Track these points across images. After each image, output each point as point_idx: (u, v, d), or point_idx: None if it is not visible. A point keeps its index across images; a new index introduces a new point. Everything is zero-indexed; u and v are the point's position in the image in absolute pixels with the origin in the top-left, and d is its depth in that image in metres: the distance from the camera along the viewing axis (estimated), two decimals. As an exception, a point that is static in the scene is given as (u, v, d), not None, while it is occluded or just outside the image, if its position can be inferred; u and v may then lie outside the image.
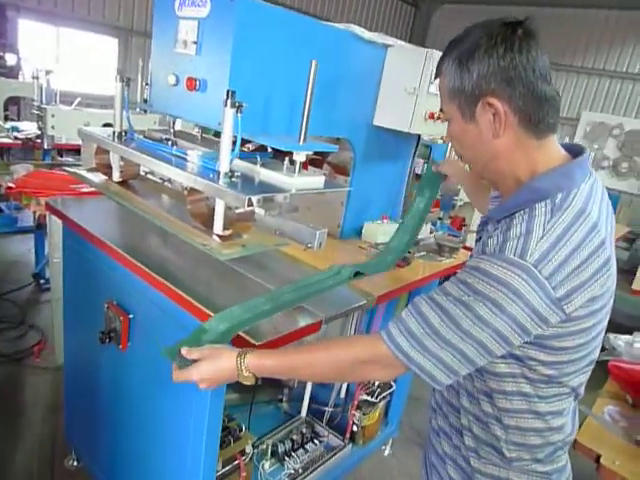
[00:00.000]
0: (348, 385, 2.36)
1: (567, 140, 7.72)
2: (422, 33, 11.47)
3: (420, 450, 1.35)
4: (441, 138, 3.02)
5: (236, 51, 1.36)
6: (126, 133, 1.70)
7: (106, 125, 3.44)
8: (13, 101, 5.33)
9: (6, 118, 4.80)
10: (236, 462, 1.73)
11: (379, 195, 2.20)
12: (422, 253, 2.06)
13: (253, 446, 1.82)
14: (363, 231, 2.12)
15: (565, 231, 0.84)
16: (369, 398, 2.28)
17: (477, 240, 1.11)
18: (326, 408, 2.36)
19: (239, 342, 1.18)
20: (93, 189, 1.84)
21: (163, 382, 1.52)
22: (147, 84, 1.68)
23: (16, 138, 4.23)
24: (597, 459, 1.54)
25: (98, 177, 1.79)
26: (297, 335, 1.31)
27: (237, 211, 1.37)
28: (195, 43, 1.44)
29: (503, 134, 0.91)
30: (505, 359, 0.92)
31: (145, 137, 1.72)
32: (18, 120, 5.29)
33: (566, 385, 0.96)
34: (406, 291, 2.01)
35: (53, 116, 3.59)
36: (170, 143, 1.68)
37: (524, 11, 1.19)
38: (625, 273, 3.78)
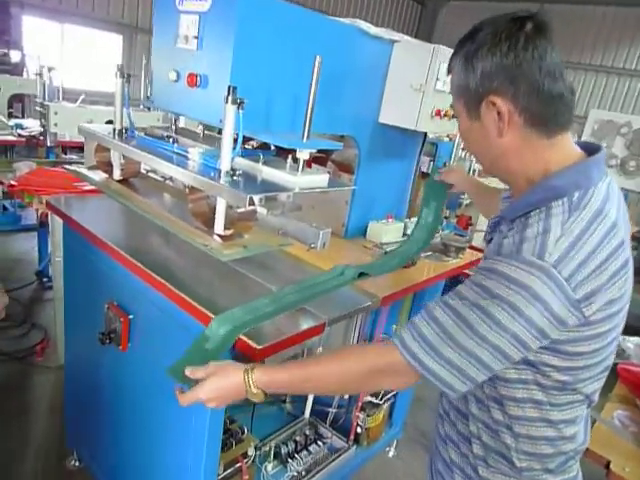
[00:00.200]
0: (352, 386, 2.33)
1: (575, 138, 7.63)
2: (428, 31, 11.38)
3: (425, 452, 1.32)
4: (447, 136, 2.98)
5: (238, 46, 1.33)
6: (127, 130, 1.67)
7: (109, 122, 3.42)
8: (17, 98, 5.32)
9: (10, 115, 4.80)
10: (238, 465, 1.71)
11: (384, 194, 2.16)
12: (428, 253, 2.02)
13: (255, 448, 1.79)
14: (368, 230, 2.09)
15: (584, 231, 0.81)
16: (373, 399, 2.25)
17: (488, 241, 1.06)
18: (330, 409, 2.33)
19: (240, 345, 1.15)
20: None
21: (163, 383, 1.49)
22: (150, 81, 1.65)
23: (20, 135, 4.23)
24: (607, 465, 1.51)
25: (98, 175, 1.77)
26: (300, 338, 1.28)
27: (238, 210, 1.34)
28: (196, 38, 1.41)
29: (507, 133, 0.89)
30: (517, 365, 0.89)
31: (146, 134, 1.69)
32: (23, 117, 5.29)
33: (580, 392, 0.93)
34: (411, 292, 1.97)
35: (56, 113, 3.57)
36: (171, 140, 1.65)
37: (531, 7, 1.15)
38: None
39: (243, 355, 1.16)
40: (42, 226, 3.61)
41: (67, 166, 1.90)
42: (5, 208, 4.67)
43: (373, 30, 1.70)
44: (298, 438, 2.18)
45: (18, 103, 5.55)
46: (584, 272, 0.80)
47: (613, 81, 9.37)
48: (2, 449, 2.24)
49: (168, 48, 1.51)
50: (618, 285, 0.84)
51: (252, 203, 1.23)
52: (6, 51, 5.85)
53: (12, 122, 4.45)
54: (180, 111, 1.62)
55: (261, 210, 1.40)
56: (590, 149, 0.92)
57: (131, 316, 1.56)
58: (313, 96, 1.34)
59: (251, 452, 1.75)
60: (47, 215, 2.80)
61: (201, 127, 1.80)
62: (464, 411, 1.04)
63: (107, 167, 1.76)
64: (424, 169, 2.81)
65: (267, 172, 1.43)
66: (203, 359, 1.10)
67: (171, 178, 1.71)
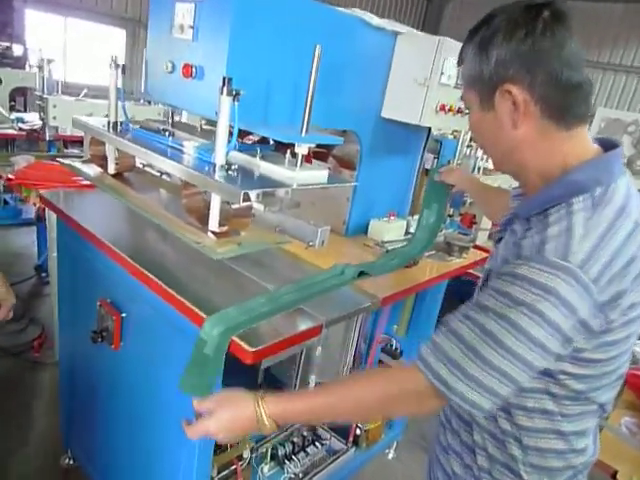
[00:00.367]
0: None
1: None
2: (435, 25, 11.28)
3: (425, 454, 1.27)
4: (452, 133, 2.92)
5: (234, 35, 1.28)
6: (122, 123, 1.63)
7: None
8: (20, 92, 5.29)
9: (12, 109, 4.77)
10: (233, 467, 1.67)
11: (387, 191, 2.11)
12: (431, 252, 1.97)
13: (252, 450, 1.75)
14: (369, 228, 2.03)
15: (608, 229, 0.76)
16: (373, 401, 2.20)
17: (497, 240, 1.00)
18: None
19: (232, 348, 1.11)
20: (94, 181, 1.77)
21: (156, 383, 1.46)
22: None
23: (20, 129, 4.20)
24: (613, 475, 1.46)
25: (92, 169, 1.72)
26: (296, 339, 1.23)
27: (234, 206, 1.29)
28: (192, 27, 1.36)
29: (522, 124, 0.83)
30: None
31: (142, 127, 1.64)
32: (25, 111, 5.27)
33: (594, 401, 0.88)
34: (413, 292, 1.93)
35: (55, 106, 3.53)
36: (167, 134, 1.61)
37: None
38: None
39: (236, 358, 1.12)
40: (39, 221, 3.58)
41: (61, 160, 1.85)
42: (6, 202, 4.65)
43: (375, 21, 1.65)
44: (296, 439, 2.13)
45: (20, 97, 5.53)
46: (609, 273, 0.75)
47: (621, 79, 9.27)
48: (-2, 447, 2.21)
49: (163, 38, 1.46)
50: None
51: (248, 199, 1.18)
52: (9, 45, 5.83)
53: (13, 115, 4.42)
54: (175, 103, 1.58)
55: (258, 206, 1.35)
56: (606, 144, 0.86)
57: (124, 314, 1.52)
58: (312, 87, 1.28)
59: (246, 454, 1.71)
60: (44, 209, 2.76)
61: (203, 121, 1.76)
62: (467, 419, 0.99)
63: (102, 161, 1.71)
64: (428, 166, 2.75)
65: (265, 167, 1.38)
66: (205, 366, 1.06)
67: (167, 173, 1.67)
